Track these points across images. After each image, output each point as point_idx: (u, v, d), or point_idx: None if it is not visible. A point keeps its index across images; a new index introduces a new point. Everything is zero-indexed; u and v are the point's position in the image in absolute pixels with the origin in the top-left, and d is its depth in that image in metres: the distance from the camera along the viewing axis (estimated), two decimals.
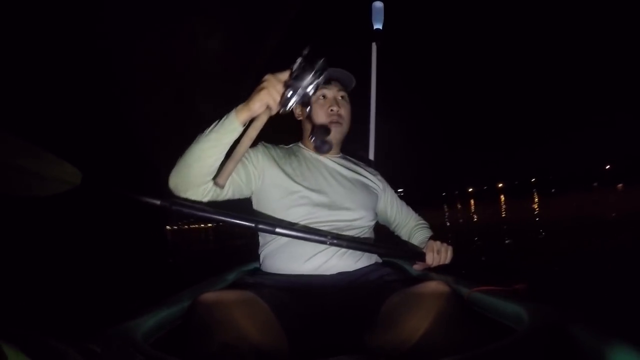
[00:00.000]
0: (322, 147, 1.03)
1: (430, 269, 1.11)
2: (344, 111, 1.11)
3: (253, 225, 0.83)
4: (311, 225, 0.96)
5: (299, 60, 0.77)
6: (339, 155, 1.19)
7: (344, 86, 1.14)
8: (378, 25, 1.64)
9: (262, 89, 0.78)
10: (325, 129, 1.06)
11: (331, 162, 1.13)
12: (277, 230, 0.83)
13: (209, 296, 0.70)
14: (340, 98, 1.12)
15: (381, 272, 0.94)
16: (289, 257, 0.94)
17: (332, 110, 1.08)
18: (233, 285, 0.93)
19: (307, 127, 1.13)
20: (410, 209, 1.27)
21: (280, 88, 0.78)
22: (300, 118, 1.16)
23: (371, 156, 1.60)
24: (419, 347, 0.60)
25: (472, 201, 29.38)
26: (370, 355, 0.66)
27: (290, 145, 1.18)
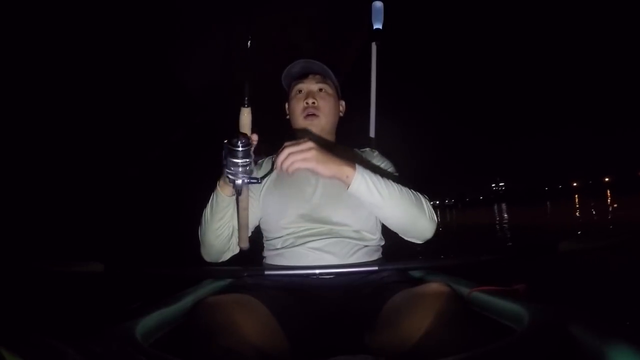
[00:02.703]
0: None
1: (429, 270, 1.11)
2: (322, 102, 1.07)
3: (245, 274, 0.93)
4: (301, 237, 0.96)
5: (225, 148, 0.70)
6: None
7: (325, 78, 1.11)
8: (378, 25, 1.64)
9: None
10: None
11: None
12: (267, 272, 0.92)
13: (210, 300, 0.70)
14: (318, 90, 1.09)
15: (382, 273, 0.93)
16: (290, 260, 0.95)
17: (306, 103, 1.07)
18: (233, 287, 0.93)
19: (292, 125, 1.12)
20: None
21: None
22: (288, 117, 1.14)
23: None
24: (419, 347, 0.60)
25: (576, 197, 28.36)
26: (371, 356, 0.66)
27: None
